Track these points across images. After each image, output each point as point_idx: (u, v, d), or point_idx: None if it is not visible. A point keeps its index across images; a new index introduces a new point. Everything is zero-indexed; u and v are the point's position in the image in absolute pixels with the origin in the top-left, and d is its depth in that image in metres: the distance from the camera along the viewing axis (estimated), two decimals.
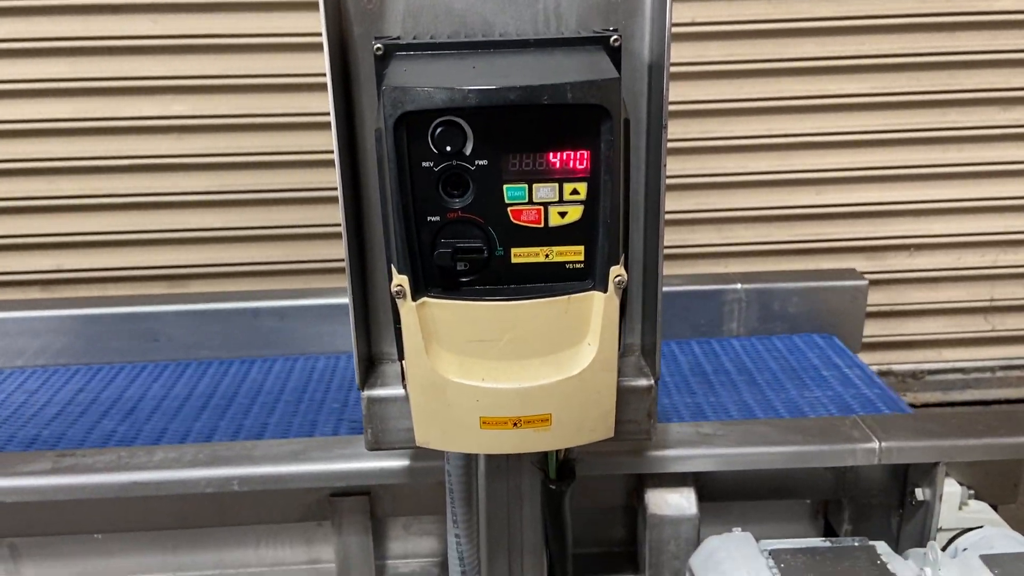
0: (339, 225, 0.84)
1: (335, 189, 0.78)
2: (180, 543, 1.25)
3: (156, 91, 2.37)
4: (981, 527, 1.16)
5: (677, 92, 2.38)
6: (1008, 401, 2.72)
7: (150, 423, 1.44)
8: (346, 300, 0.82)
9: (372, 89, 0.78)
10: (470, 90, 0.63)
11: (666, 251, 2.48)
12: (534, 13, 0.80)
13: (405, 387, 0.80)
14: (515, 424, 0.69)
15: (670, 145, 2.49)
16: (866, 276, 2.60)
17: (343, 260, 0.79)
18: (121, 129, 2.39)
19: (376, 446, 0.87)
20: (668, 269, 2.48)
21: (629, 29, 0.82)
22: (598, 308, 0.69)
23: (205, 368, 1.65)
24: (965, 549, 1.13)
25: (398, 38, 0.75)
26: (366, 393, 0.86)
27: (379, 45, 0.72)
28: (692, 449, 1.09)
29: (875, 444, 1.10)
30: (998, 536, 1.14)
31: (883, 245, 2.59)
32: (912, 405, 2.65)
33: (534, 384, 0.69)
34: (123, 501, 1.14)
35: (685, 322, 1.63)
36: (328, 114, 0.74)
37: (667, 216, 2.49)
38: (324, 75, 0.73)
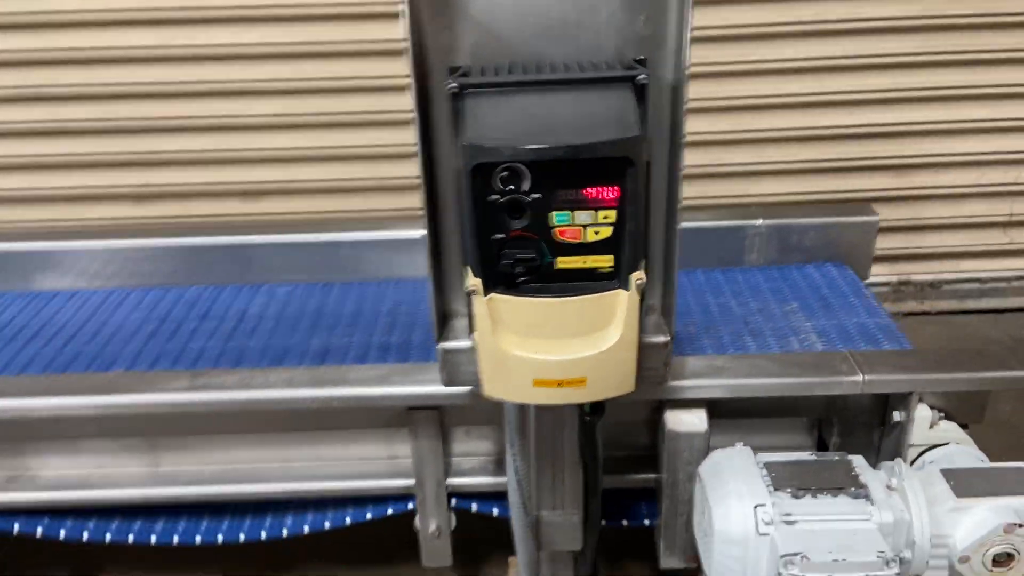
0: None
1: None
2: (288, 441, 1.52)
3: (230, 21, 2.53)
4: (947, 444, 1.37)
5: (718, 17, 2.47)
6: (1021, 309, 2.86)
7: (252, 339, 1.70)
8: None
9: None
10: (528, 148, 0.81)
11: (702, 171, 2.60)
12: (577, 46, 0.96)
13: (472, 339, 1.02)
14: (559, 384, 0.91)
15: (709, 70, 2.59)
16: (891, 192, 2.72)
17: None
18: (200, 57, 2.56)
19: (449, 383, 1.10)
20: (705, 188, 2.62)
21: (656, 56, 0.98)
22: (622, 302, 0.90)
23: (292, 290, 1.89)
24: (931, 462, 1.35)
25: (467, 73, 0.92)
26: (441, 345, 1.08)
27: (454, 85, 0.90)
28: (705, 380, 1.30)
29: (859, 377, 1.30)
30: (959, 453, 1.35)
31: (909, 164, 2.69)
32: (927, 313, 2.82)
33: (573, 357, 0.91)
34: (245, 411, 1.41)
35: (711, 254, 1.81)
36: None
37: (704, 138, 2.61)
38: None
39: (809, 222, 1.82)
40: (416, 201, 0.99)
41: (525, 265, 0.88)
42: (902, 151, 2.68)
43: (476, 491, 1.52)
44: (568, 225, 0.86)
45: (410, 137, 0.96)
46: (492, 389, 0.96)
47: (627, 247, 0.88)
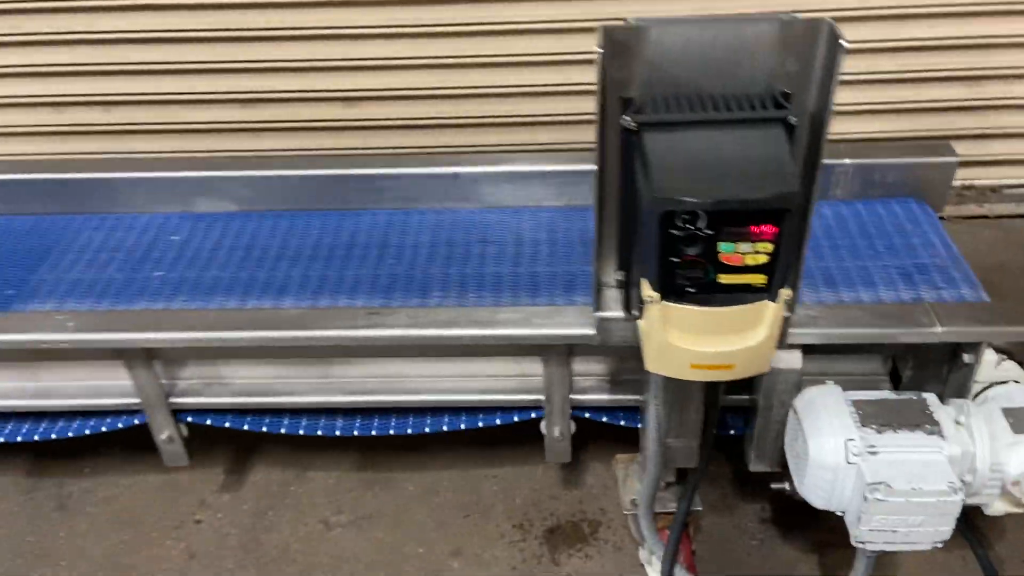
0: None
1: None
2: (437, 362, 1.78)
3: None
4: (1007, 383, 1.57)
5: None
6: None
7: (400, 266, 1.92)
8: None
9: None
10: (709, 201, 0.98)
11: None
12: (734, 81, 1.10)
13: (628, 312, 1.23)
14: (711, 368, 1.13)
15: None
16: (963, 103, 2.78)
17: None
18: None
19: (603, 343, 1.33)
20: None
21: (801, 86, 1.11)
22: (771, 311, 1.09)
23: (421, 216, 2.08)
24: (993, 399, 1.56)
25: (640, 108, 1.08)
26: (598, 314, 1.30)
27: (632, 123, 1.05)
28: (801, 329, 1.51)
29: (938, 329, 1.50)
30: (1018, 391, 1.56)
31: (983, 75, 2.73)
32: (986, 217, 2.93)
33: (726, 350, 1.11)
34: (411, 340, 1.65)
35: None
36: None
37: None
38: None
39: (892, 162, 1.94)
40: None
41: (694, 282, 1.07)
42: (977, 63, 2.71)
43: (592, 405, 1.78)
44: (732, 253, 1.04)
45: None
46: (654, 367, 1.18)
47: (779, 270, 1.06)
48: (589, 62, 2.62)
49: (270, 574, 1.95)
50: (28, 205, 2.06)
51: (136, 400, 1.75)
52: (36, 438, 1.78)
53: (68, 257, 1.93)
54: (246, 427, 1.82)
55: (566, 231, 1.97)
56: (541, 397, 1.75)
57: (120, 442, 2.04)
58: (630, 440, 1.80)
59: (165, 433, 1.79)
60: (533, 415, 1.79)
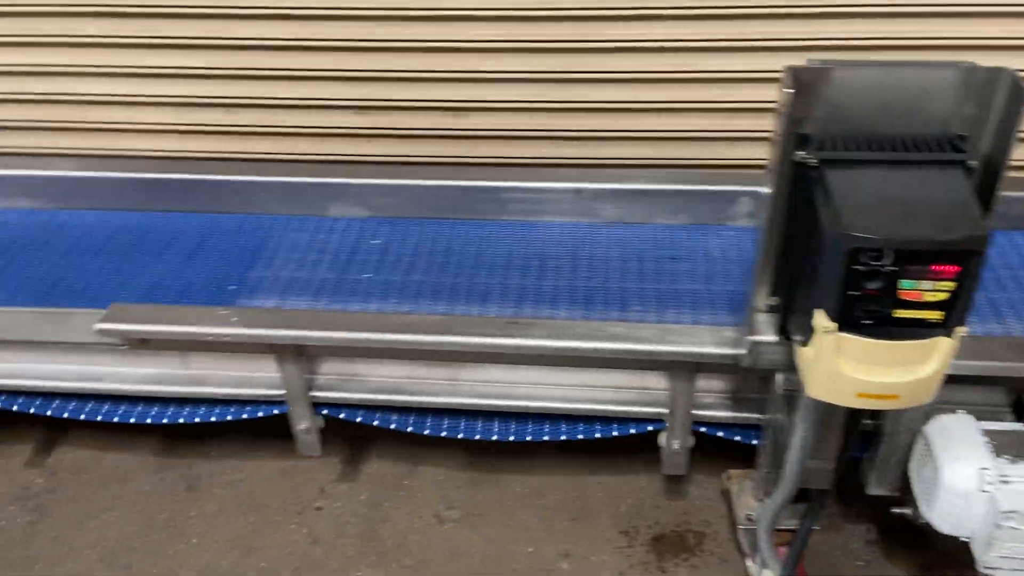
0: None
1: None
2: (559, 371, 1.83)
3: None
4: None
5: None
6: None
7: (527, 279, 2.00)
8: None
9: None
10: (896, 239, 1.03)
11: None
12: (912, 123, 1.14)
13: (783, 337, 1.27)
14: (878, 398, 1.17)
15: None
16: None
17: None
18: None
19: (752, 366, 1.37)
20: None
21: (977, 130, 1.15)
22: (944, 347, 1.13)
23: (543, 229, 2.15)
24: None
25: (821, 145, 1.12)
26: (751, 338, 1.35)
27: (813, 159, 1.10)
28: None
29: None
30: None
31: None
32: None
33: (896, 381, 1.15)
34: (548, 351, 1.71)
35: None
36: None
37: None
38: None
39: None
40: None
41: (871, 315, 1.11)
42: None
43: (710, 420, 1.82)
44: (913, 289, 1.09)
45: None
46: (818, 393, 1.23)
47: (958, 308, 1.10)
48: (689, 81, 2.70)
49: (388, 564, 2.03)
50: (231, 205, 2.23)
51: (281, 392, 1.85)
52: (181, 420, 1.88)
53: (280, 256, 2.07)
54: (376, 423, 1.90)
55: (689, 249, 2.03)
56: (662, 410, 1.79)
57: (241, 429, 2.14)
58: (730, 454, 1.85)
59: (304, 424, 1.88)
60: (651, 428, 1.84)
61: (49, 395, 1.93)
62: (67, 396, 1.95)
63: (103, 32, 2.87)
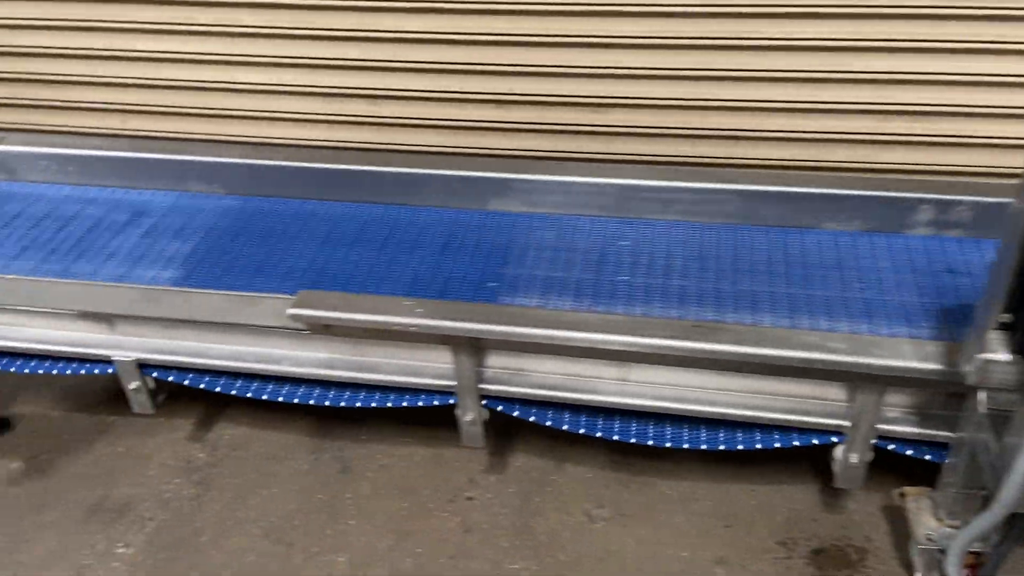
0: None
1: None
2: (735, 376, 1.78)
3: None
4: None
5: None
6: None
7: (688, 280, 1.96)
8: None
9: None
10: None
11: None
12: None
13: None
14: None
15: None
16: None
17: None
18: None
19: (979, 384, 1.30)
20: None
21: None
22: None
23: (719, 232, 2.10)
24: None
25: None
26: (982, 356, 1.27)
27: None
28: None
29: None
30: None
31: None
32: None
33: None
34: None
35: None
36: None
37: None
38: None
39: None
40: None
41: None
42: None
43: (894, 436, 1.74)
44: None
45: None
46: None
47: None
48: (841, 81, 2.60)
49: (542, 558, 2.02)
50: (466, 201, 2.24)
51: (452, 383, 1.85)
52: (358, 404, 1.91)
53: (530, 255, 2.07)
54: (532, 418, 1.88)
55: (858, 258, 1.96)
56: (843, 423, 1.73)
57: (389, 414, 2.16)
58: (889, 469, 1.78)
59: (470, 415, 1.88)
60: (834, 440, 1.78)
61: (219, 373, 1.98)
62: (235, 375, 2.00)
63: (259, 23, 2.94)
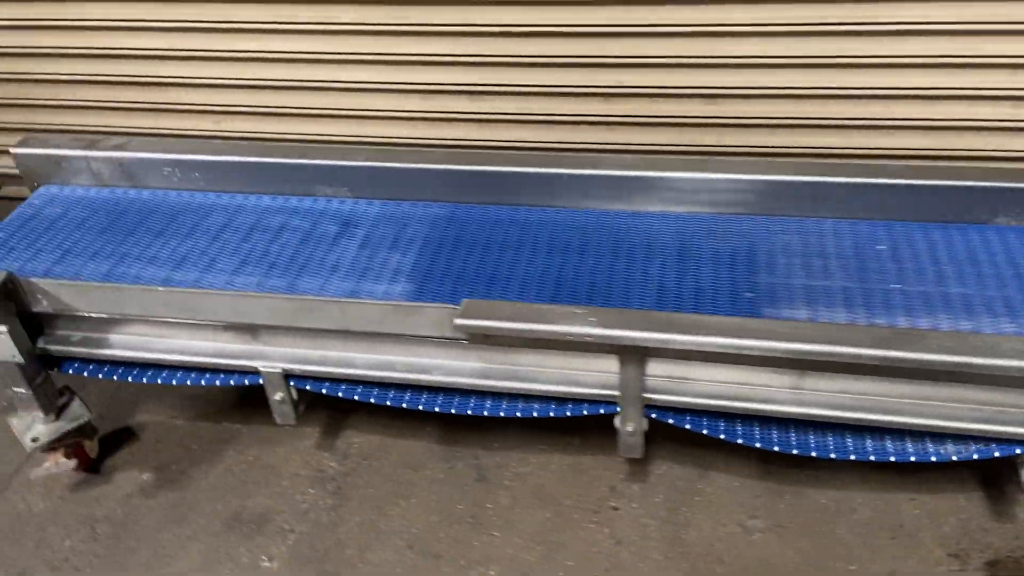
0: None
1: None
2: (919, 384, 1.68)
3: None
4: None
5: None
6: None
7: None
8: None
9: None
10: None
11: None
12: None
13: None
14: None
15: None
16: None
17: None
18: None
19: None
20: None
21: None
22: None
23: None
24: None
25: None
26: None
27: None
28: None
29: None
30: None
31: None
32: None
33: None
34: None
35: None
36: None
37: None
38: None
39: None
40: None
41: None
42: None
43: None
44: None
45: None
46: None
47: None
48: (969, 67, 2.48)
49: (700, 571, 1.95)
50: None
51: (615, 392, 1.78)
52: (518, 414, 1.84)
53: (779, 261, 1.96)
54: (704, 431, 1.80)
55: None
56: None
57: (520, 421, 2.10)
58: None
59: (631, 426, 1.81)
60: (1019, 451, 1.68)
61: (367, 383, 1.93)
62: (382, 385, 1.94)
63: (357, 20, 2.88)
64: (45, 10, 3.06)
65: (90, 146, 2.31)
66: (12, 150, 2.34)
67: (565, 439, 2.27)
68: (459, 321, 1.63)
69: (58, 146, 2.35)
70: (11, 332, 1.87)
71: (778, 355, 1.57)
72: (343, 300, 1.78)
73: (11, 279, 1.84)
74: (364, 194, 2.20)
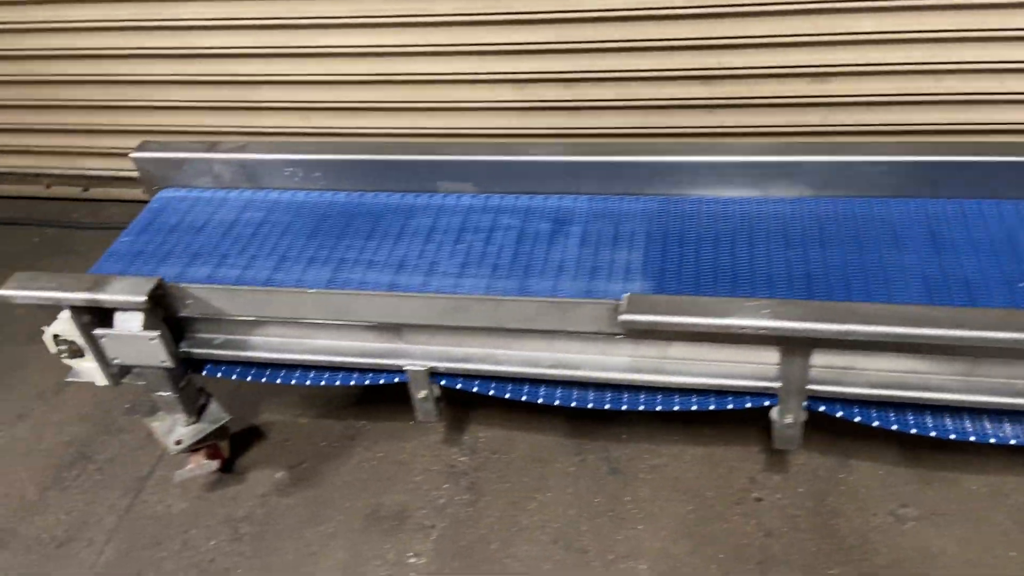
0: None
1: None
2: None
3: None
4: None
5: None
6: None
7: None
8: None
9: None
10: None
11: None
12: None
13: None
14: None
15: None
16: None
17: None
18: None
19: None
20: None
21: None
22: None
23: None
24: None
25: None
26: None
27: None
28: None
29: None
30: None
31: None
32: None
33: None
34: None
35: None
36: None
37: None
38: None
39: None
40: None
41: None
42: None
43: None
44: None
45: None
46: None
47: None
48: None
49: (857, 563, 1.91)
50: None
51: (774, 384, 1.75)
52: (676, 408, 1.81)
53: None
54: (876, 423, 1.76)
55: None
56: None
57: (646, 414, 2.06)
58: None
59: (791, 417, 1.78)
60: None
61: (510, 379, 1.91)
62: (525, 380, 1.93)
63: (452, 11, 2.85)
64: (132, 10, 3.07)
65: (211, 148, 2.31)
66: (132, 155, 2.35)
67: (695, 430, 2.24)
68: (625, 317, 1.61)
69: (178, 149, 2.34)
70: (163, 337, 1.87)
71: (957, 343, 1.53)
72: (498, 298, 1.76)
73: (161, 285, 1.84)
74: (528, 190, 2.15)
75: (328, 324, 1.91)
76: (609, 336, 1.75)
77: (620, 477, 2.16)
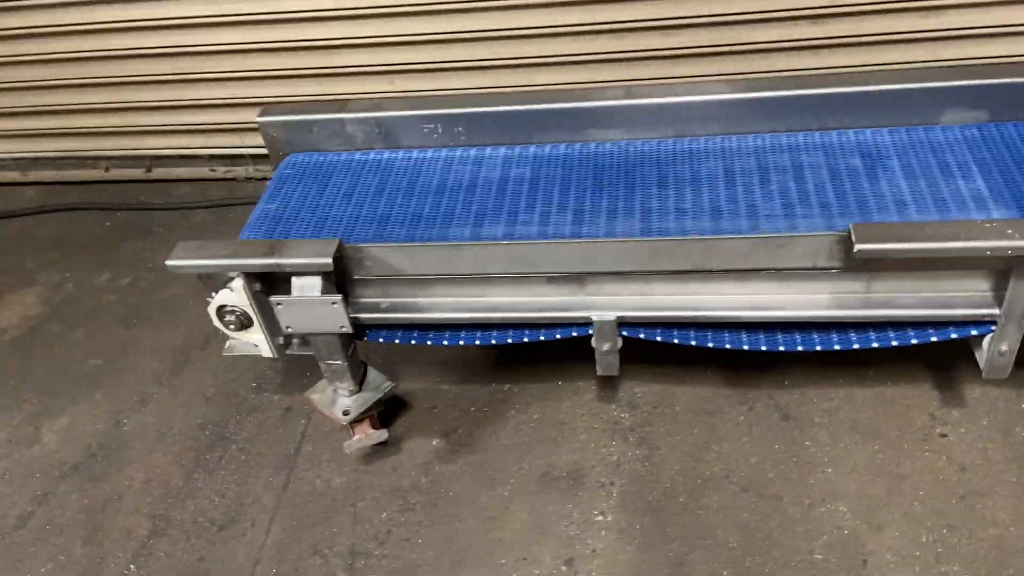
0: None
1: None
2: None
3: None
4: None
5: None
6: None
7: None
8: None
9: None
10: None
11: None
12: None
13: None
14: None
15: None
16: None
17: None
18: None
19: None
20: None
21: None
22: None
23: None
24: None
25: None
26: None
27: None
28: None
29: None
30: None
31: None
32: None
33: None
34: None
35: None
36: None
37: None
38: None
39: None
40: None
41: None
42: None
43: None
44: None
45: None
46: None
47: None
48: None
49: None
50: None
51: (993, 311, 1.71)
52: (894, 343, 1.76)
53: None
54: None
55: None
56: None
57: (806, 356, 2.04)
58: None
59: (1006, 344, 1.74)
60: None
61: (697, 325, 1.86)
62: (710, 326, 1.87)
63: None
64: None
65: (342, 109, 2.21)
66: (258, 119, 2.24)
67: (858, 371, 2.21)
68: (861, 247, 1.55)
69: (305, 112, 2.24)
70: (343, 301, 1.79)
71: None
72: (707, 238, 1.69)
73: (341, 247, 1.76)
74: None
75: (507, 278, 1.83)
76: (809, 272, 1.69)
77: (794, 423, 2.12)
